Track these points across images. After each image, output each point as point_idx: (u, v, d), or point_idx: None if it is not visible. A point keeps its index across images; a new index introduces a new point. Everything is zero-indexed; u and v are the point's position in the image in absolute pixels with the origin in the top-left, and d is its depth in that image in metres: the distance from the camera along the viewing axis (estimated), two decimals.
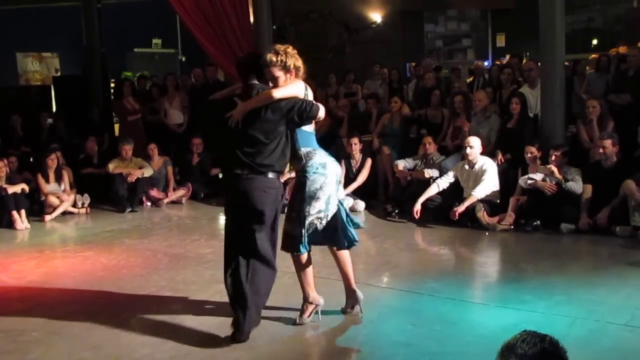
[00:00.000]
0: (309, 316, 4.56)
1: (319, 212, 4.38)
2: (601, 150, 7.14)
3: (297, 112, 4.29)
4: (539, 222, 7.19)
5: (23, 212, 8.36)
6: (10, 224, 8.22)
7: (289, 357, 4.14)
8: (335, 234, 4.49)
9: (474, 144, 7.69)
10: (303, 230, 4.36)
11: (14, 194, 8.39)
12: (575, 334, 4.21)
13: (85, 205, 9.17)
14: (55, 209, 8.83)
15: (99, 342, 4.37)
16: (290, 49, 4.43)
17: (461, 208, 7.47)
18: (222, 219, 8.63)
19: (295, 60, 4.40)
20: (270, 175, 4.32)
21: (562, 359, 1.76)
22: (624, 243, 6.60)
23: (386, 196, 9.08)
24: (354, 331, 4.45)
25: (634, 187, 6.74)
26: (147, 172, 9.56)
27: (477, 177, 7.63)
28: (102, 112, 12.10)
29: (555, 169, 7.26)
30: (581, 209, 7.09)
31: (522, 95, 8.55)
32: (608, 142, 7.11)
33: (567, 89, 8.39)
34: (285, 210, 4.55)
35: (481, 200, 7.50)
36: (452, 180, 7.90)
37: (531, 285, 5.33)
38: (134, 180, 9.33)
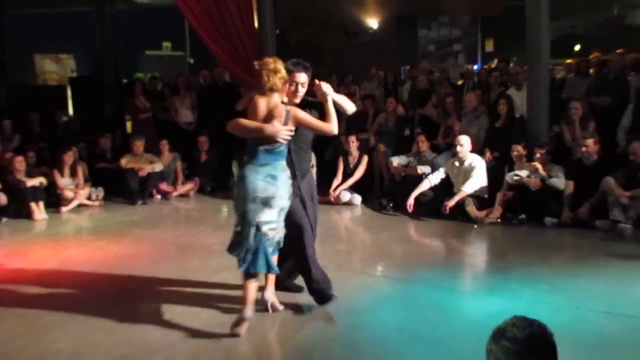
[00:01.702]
0: None
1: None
2: (584, 149, 7.15)
3: None
4: (524, 216, 7.21)
5: (41, 203, 8.36)
6: (28, 215, 8.22)
7: (291, 342, 4.14)
8: None
9: (464, 142, 7.69)
10: None
11: (33, 186, 8.39)
12: (558, 320, 4.19)
13: (99, 197, 9.16)
14: (70, 201, 8.82)
15: (112, 326, 4.37)
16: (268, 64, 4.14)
17: (451, 202, 7.48)
18: (226, 211, 8.70)
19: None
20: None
21: (549, 341, 1.76)
22: (604, 236, 6.62)
23: (381, 191, 9.09)
24: (351, 317, 4.45)
25: (613, 183, 6.75)
26: (157, 167, 9.56)
27: (467, 174, 7.63)
28: (114, 111, 12.09)
29: (539, 166, 7.27)
30: (564, 204, 7.10)
31: (509, 97, 8.56)
32: (590, 141, 7.12)
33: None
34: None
35: (470, 195, 7.51)
36: (443, 176, 7.90)
37: (517, 275, 5.33)
38: (144, 175, 9.32)
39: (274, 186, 4.08)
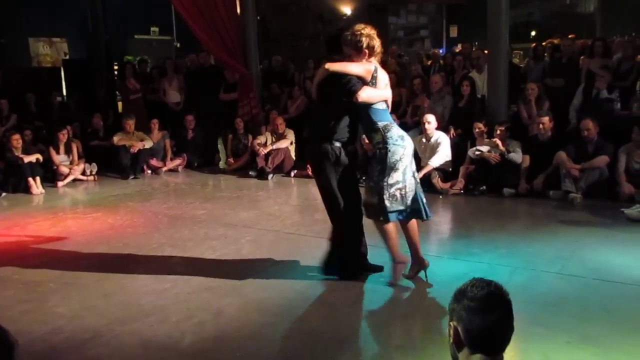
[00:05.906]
0: (399, 275, 4.40)
1: (397, 182, 4.11)
2: (541, 126, 7.22)
3: (345, 87, 4.07)
4: (485, 187, 7.27)
5: (38, 179, 8.24)
6: (27, 190, 8.11)
7: (272, 302, 4.12)
8: (417, 205, 4.25)
9: (431, 120, 7.70)
10: (385, 202, 4.10)
11: (30, 162, 8.27)
12: (516, 280, 4.29)
13: (93, 173, 9.05)
14: (66, 176, 8.71)
15: (109, 291, 4.36)
16: (366, 30, 4.12)
17: (419, 175, 7.49)
18: (212, 185, 8.66)
19: (369, 40, 4.11)
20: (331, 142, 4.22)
21: (505, 299, 1.79)
22: (557, 204, 6.71)
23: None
24: (328, 280, 4.47)
25: (565, 157, 6.84)
26: (148, 144, 9.46)
27: (433, 149, 7.67)
28: (107, 92, 11.88)
29: (499, 142, 7.33)
30: (520, 176, 7.18)
31: (472, 79, 8.58)
32: (546, 119, 7.19)
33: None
34: (364, 181, 4.52)
35: (436, 169, 7.55)
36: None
37: (478, 240, 5.40)
38: (136, 151, 9.23)
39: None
